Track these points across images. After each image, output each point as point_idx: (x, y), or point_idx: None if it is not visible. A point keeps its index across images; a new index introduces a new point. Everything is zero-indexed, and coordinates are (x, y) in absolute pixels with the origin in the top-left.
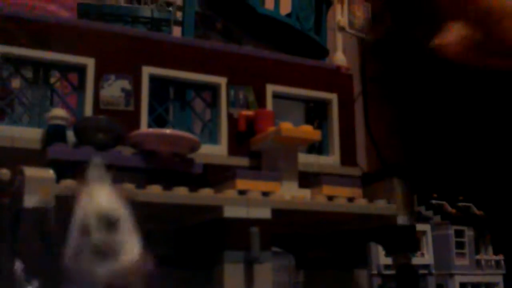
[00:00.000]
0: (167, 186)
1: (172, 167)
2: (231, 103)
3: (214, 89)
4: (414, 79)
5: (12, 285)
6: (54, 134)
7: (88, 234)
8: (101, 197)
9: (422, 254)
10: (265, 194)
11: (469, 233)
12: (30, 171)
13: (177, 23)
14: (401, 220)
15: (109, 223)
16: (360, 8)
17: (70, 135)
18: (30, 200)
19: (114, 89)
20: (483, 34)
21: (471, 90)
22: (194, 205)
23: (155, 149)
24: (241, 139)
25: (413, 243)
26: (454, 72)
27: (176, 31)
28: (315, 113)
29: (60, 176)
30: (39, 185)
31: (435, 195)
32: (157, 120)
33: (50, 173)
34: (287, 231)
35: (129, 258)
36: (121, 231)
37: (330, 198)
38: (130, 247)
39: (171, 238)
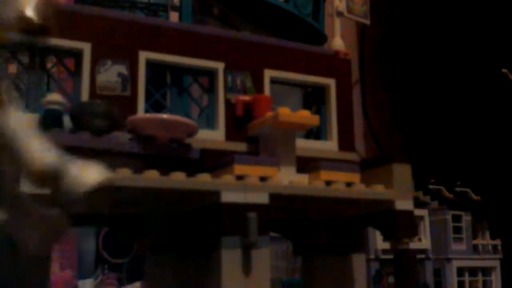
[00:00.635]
0: (164, 171)
1: (169, 153)
2: (228, 89)
3: (211, 74)
4: (413, 65)
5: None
6: (50, 118)
7: None
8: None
9: (420, 239)
10: (262, 179)
11: (466, 218)
12: None
13: (174, 8)
14: (399, 205)
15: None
16: None
17: (67, 120)
18: (26, 186)
19: (111, 74)
20: None
21: (469, 77)
22: (192, 190)
23: (152, 134)
24: (238, 125)
25: (412, 228)
26: (453, 59)
27: (173, 17)
28: (313, 98)
29: None
30: None
31: (432, 180)
32: (154, 105)
33: None
34: (285, 216)
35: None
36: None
37: (328, 183)
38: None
39: (168, 224)
